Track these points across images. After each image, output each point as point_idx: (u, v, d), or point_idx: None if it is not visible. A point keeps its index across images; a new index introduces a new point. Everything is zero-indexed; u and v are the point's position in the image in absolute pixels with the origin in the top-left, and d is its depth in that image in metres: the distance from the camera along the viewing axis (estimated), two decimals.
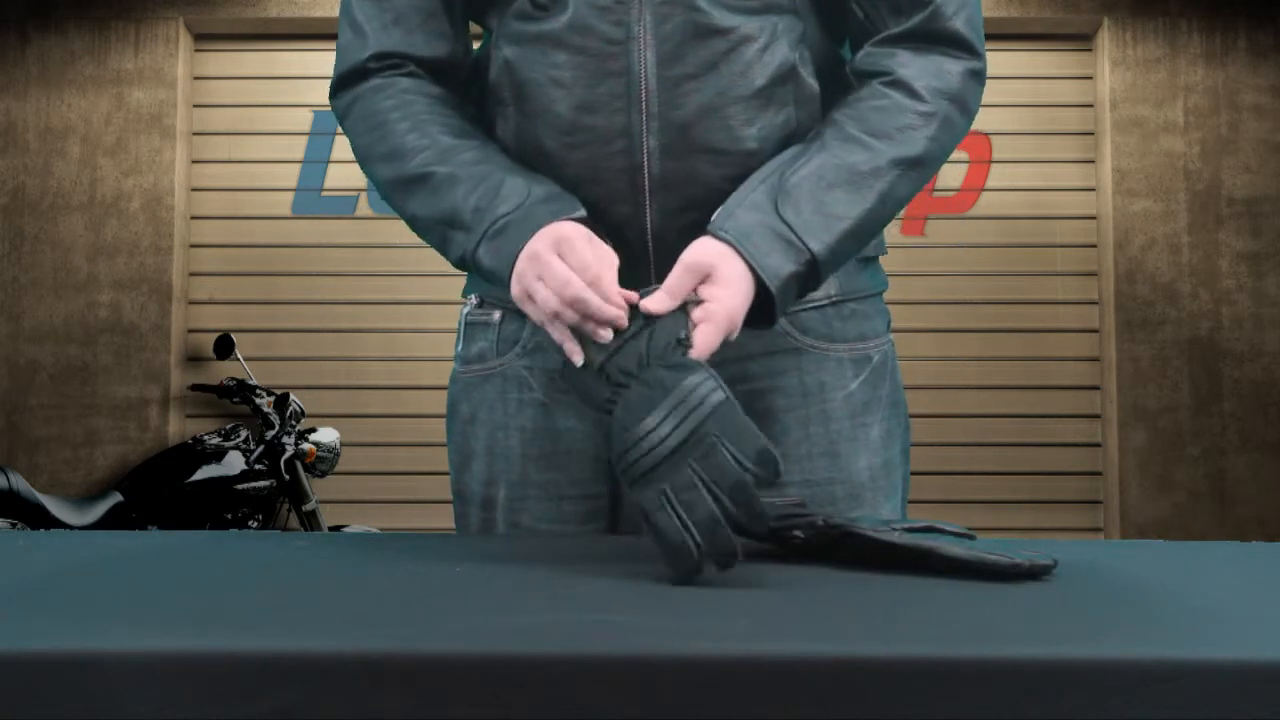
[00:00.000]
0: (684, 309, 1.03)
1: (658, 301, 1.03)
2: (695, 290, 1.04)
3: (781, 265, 1.06)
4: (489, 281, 1.14)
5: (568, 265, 1.03)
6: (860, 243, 1.13)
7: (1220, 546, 1.09)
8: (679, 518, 0.88)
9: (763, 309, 1.08)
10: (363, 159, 1.20)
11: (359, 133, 1.20)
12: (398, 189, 1.16)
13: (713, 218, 1.09)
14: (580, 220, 1.09)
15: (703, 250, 1.06)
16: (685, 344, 1.01)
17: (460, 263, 1.14)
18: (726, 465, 0.90)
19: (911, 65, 1.15)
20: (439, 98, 1.20)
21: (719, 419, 0.92)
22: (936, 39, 1.16)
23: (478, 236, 1.09)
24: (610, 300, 1.02)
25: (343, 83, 1.22)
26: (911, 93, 1.14)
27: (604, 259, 1.05)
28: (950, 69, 1.16)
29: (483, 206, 1.10)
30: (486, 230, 1.09)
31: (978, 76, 1.19)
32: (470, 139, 1.16)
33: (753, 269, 1.06)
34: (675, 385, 0.95)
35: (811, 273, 1.09)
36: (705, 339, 1.02)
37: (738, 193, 1.11)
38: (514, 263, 1.06)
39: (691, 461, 0.91)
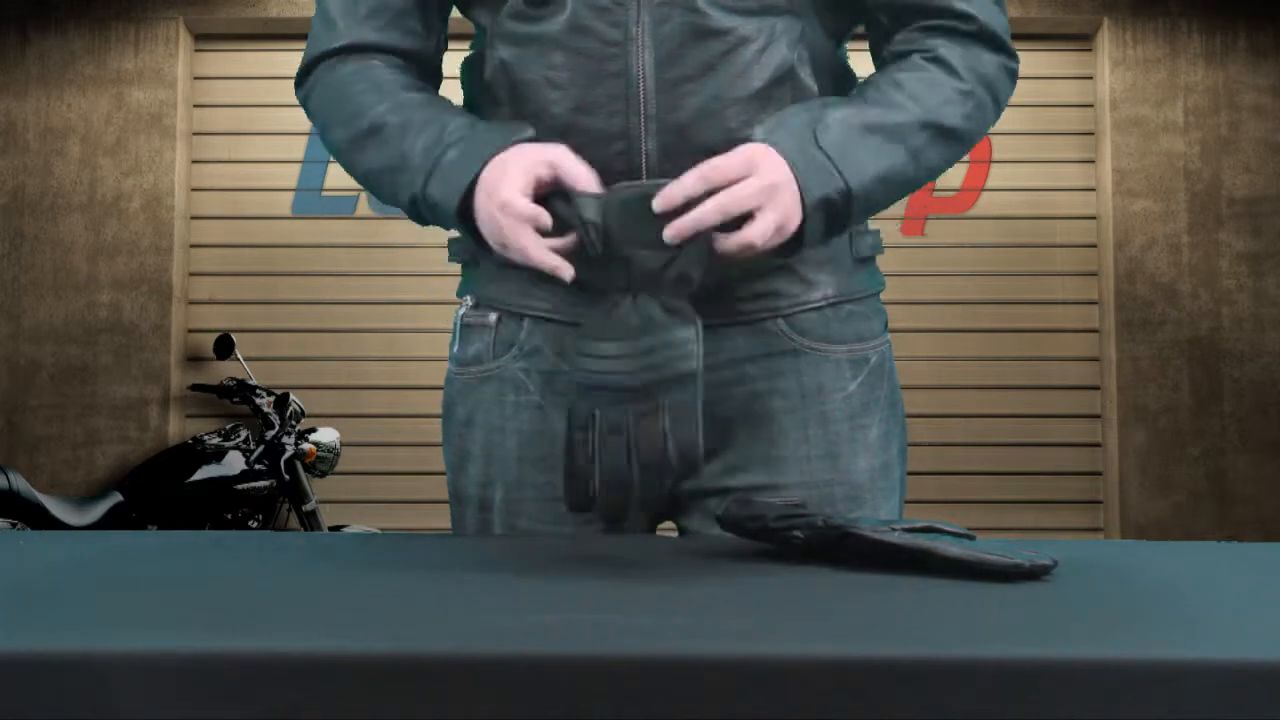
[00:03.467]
0: (706, 242, 1.02)
1: (683, 187, 1.02)
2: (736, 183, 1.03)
3: (817, 186, 1.06)
4: (438, 221, 1.14)
5: (521, 165, 1.05)
6: (889, 194, 1.13)
7: (1220, 546, 1.09)
8: (592, 450, 0.90)
9: (787, 242, 1.07)
10: (323, 127, 1.22)
11: (320, 105, 1.22)
12: (352, 147, 1.17)
13: (753, 132, 1.09)
14: (525, 141, 1.09)
15: (746, 148, 1.06)
16: (690, 282, 1.00)
17: (411, 205, 1.14)
18: (654, 439, 0.90)
19: (951, 50, 1.17)
20: (403, 71, 1.21)
21: (673, 390, 0.92)
22: (973, 36, 1.18)
23: (425, 172, 1.10)
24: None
25: (308, 70, 1.24)
26: (951, 70, 1.15)
27: (566, 166, 1.06)
28: (987, 59, 1.18)
29: (429, 145, 1.11)
30: (434, 165, 1.10)
31: (1012, 74, 1.21)
32: (423, 92, 1.18)
33: (795, 180, 1.05)
34: (657, 330, 0.95)
35: (844, 205, 1.08)
36: (762, 227, 1.02)
37: (776, 115, 1.10)
38: (464, 193, 1.08)
39: (629, 408, 0.92)
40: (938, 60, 1.16)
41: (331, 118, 1.20)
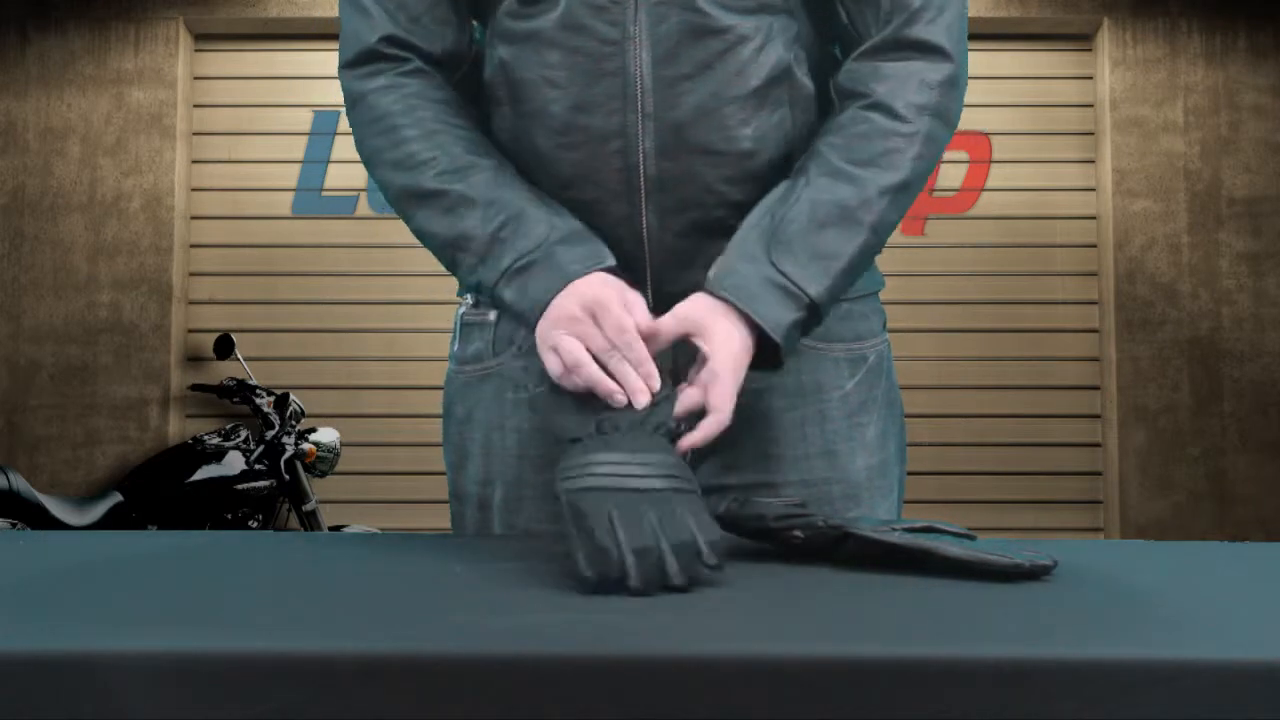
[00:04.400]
0: (673, 394, 1.05)
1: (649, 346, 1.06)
2: (688, 341, 1.08)
3: (783, 315, 1.08)
4: (504, 313, 1.16)
5: (603, 331, 1.05)
6: (857, 275, 1.14)
7: (1220, 546, 1.09)
8: (613, 530, 0.82)
9: (767, 356, 1.10)
10: (369, 161, 1.19)
11: (366, 134, 1.19)
12: (406, 199, 1.16)
13: (709, 274, 1.10)
14: (610, 270, 1.10)
15: (694, 307, 1.08)
16: (672, 432, 1.02)
17: (475, 288, 1.15)
18: (682, 524, 0.85)
19: (890, 80, 1.14)
20: (445, 102, 1.19)
21: (688, 501, 0.90)
22: (915, 47, 1.15)
23: (498, 271, 1.11)
24: (642, 367, 1.04)
25: (353, 64, 1.20)
26: (893, 114, 1.13)
27: (636, 317, 1.07)
28: (930, 79, 1.15)
29: (504, 238, 1.11)
30: (510, 266, 1.10)
31: (956, 84, 1.17)
32: (484, 156, 1.16)
33: (756, 323, 1.07)
34: (662, 451, 0.96)
35: (812, 316, 1.10)
36: (714, 423, 1.05)
37: (731, 244, 1.12)
38: (542, 310, 1.08)
39: (647, 508, 0.86)
40: (876, 106, 1.14)
41: (380, 157, 1.18)
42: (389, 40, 1.19)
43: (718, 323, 1.08)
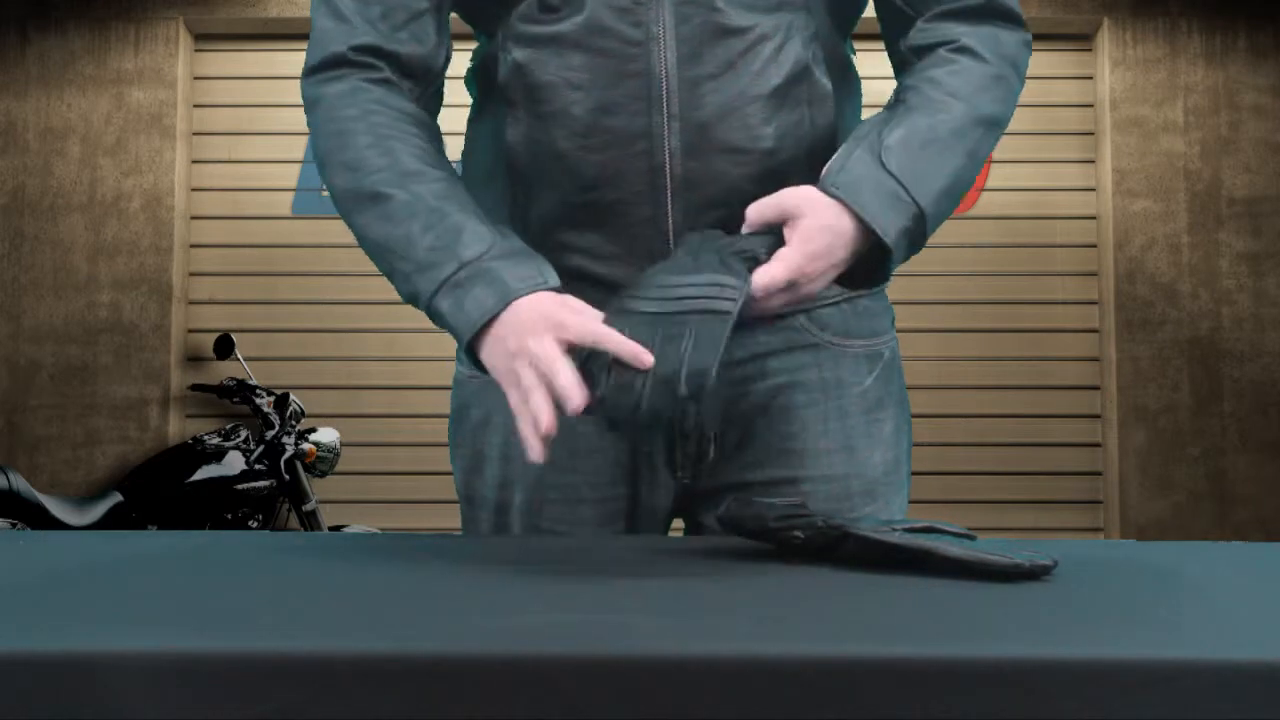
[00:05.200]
0: (766, 234, 1.04)
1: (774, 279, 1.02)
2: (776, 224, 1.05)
3: (895, 220, 1.06)
4: (438, 325, 1.08)
5: (572, 331, 0.97)
6: (954, 201, 1.13)
7: (1220, 546, 1.09)
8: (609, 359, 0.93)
9: (871, 269, 1.08)
10: (320, 162, 1.16)
11: (320, 134, 1.16)
12: (349, 201, 1.12)
13: (822, 173, 1.08)
14: (553, 290, 1.02)
15: (796, 195, 1.05)
16: (750, 257, 1.02)
17: (410, 299, 1.08)
18: (671, 358, 0.92)
19: (972, 35, 1.17)
20: (407, 114, 1.15)
21: (705, 321, 0.95)
22: (988, 14, 1.19)
23: (435, 282, 1.04)
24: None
25: (317, 69, 1.17)
26: (979, 57, 1.16)
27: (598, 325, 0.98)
28: (1005, 38, 1.19)
29: (442, 247, 1.05)
30: (448, 278, 1.04)
31: (1028, 45, 1.22)
32: (434, 168, 1.11)
33: (869, 225, 1.05)
34: (704, 271, 0.98)
35: (919, 228, 1.09)
36: (770, 272, 1.02)
37: (840, 152, 1.10)
38: (476, 328, 1.01)
39: (659, 331, 0.94)
40: (963, 50, 1.16)
41: (330, 158, 1.14)
42: (363, 49, 1.15)
43: (822, 211, 1.04)
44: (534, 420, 0.95)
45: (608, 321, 0.96)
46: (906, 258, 1.10)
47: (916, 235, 1.09)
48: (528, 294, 1.01)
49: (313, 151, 1.18)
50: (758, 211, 1.05)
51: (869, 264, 1.09)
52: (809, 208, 1.04)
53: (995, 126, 1.16)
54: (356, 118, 1.13)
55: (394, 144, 1.12)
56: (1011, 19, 1.20)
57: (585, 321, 0.97)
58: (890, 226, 1.06)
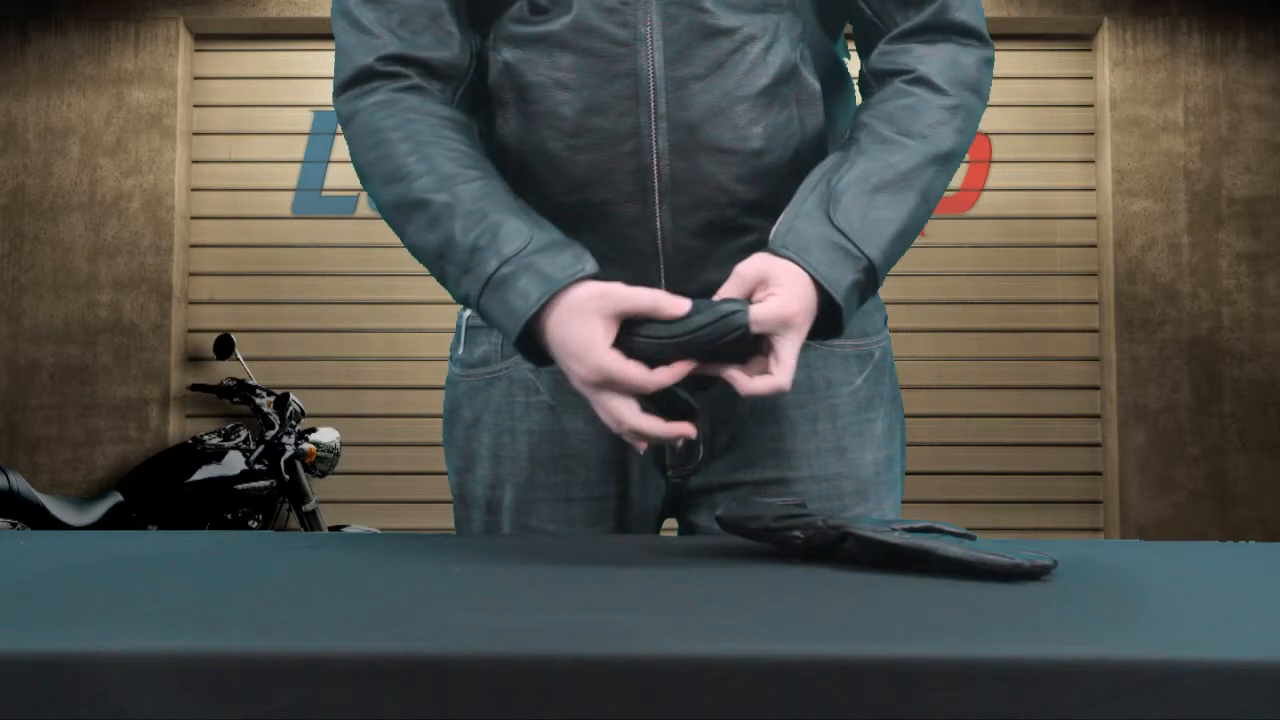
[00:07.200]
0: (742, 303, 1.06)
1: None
2: (751, 296, 1.05)
3: (844, 275, 1.06)
4: (490, 324, 1.12)
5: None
6: (907, 243, 1.13)
7: (1220, 546, 1.09)
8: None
9: (827, 323, 1.08)
10: (362, 175, 1.17)
11: (359, 149, 1.16)
12: (395, 211, 1.13)
13: (771, 235, 1.08)
14: (593, 277, 1.04)
15: (760, 260, 1.06)
16: (739, 323, 1.03)
17: (463, 302, 1.11)
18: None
19: (929, 60, 1.17)
20: (443, 118, 1.15)
21: (724, 342, 1.02)
22: (948, 30, 1.18)
23: (480, 282, 1.06)
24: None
25: (347, 85, 1.17)
26: (934, 88, 1.16)
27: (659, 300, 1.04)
28: (965, 59, 1.18)
29: (483, 246, 1.06)
30: (490, 277, 1.05)
31: (989, 64, 1.22)
32: (472, 169, 1.12)
33: (817, 281, 1.05)
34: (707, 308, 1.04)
35: (870, 279, 1.09)
36: (766, 310, 1.03)
37: (790, 206, 1.10)
38: (524, 322, 1.03)
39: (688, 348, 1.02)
40: (919, 81, 1.16)
41: (371, 170, 1.14)
42: (389, 59, 1.15)
43: (788, 272, 1.05)
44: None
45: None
46: (857, 309, 1.11)
47: (867, 286, 1.09)
48: (569, 285, 1.03)
49: (353, 163, 1.18)
50: (732, 293, 1.05)
51: (823, 316, 1.08)
52: (778, 270, 1.05)
53: (950, 160, 1.15)
54: (392, 129, 1.13)
55: (431, 149, 1.12)
56: (971, 34, 1.19)
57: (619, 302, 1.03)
58: (840, 282, 1.06)
